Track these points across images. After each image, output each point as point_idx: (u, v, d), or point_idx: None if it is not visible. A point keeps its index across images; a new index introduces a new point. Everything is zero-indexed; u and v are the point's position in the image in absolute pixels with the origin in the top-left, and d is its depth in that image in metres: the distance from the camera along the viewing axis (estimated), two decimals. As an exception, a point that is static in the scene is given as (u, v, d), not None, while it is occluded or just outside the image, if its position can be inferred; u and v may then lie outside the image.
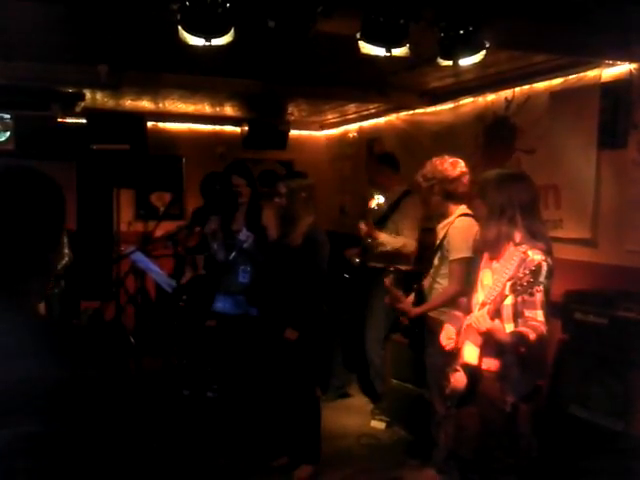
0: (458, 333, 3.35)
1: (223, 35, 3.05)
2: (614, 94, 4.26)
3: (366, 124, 7.58)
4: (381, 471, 4.49)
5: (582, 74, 4.50)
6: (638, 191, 4.12)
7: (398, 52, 3.27)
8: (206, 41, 3.05)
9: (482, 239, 3.31)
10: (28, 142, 6.40)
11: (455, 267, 3.88)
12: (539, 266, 2.93)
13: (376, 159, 5.82)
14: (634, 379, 3.57)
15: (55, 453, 1.18)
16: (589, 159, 4.42)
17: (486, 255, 3.28)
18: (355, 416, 5.50)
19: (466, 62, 3.39)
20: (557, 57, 4.48)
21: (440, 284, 4.02)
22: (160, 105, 7.03)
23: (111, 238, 7.27)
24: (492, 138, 5.39)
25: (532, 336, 2.94)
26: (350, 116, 7.67)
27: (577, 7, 3.43)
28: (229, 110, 7.31)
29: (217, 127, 7.97)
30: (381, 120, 7.21)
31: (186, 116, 7.63)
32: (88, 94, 6.09)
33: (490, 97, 5.47)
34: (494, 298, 3.03)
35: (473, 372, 3.16)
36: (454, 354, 3.33)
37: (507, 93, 5.23)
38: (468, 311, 3.28)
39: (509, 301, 3.05)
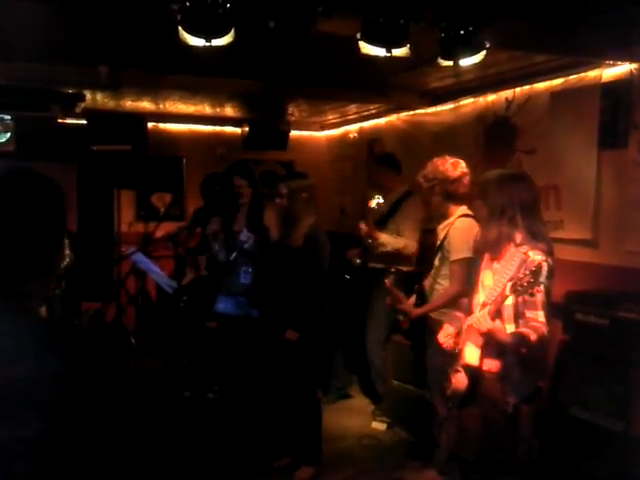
0: (459, 334, 3.35)
1: (223, 35, 3.05)
2: (615, 94, 4.25)
3: (366, 124, 7.58)
4: (382, 472, 4.49)
5: (582, 74, 4.50)
6: (639, 191, 4.12)
7: (398, 52, 3.26)
8: (206, 41, 3.05)
9: (483, 240, 3.30)
10: (28, 143, 6.40)
11: (456, 268, 3.87)
12: (539, 266, 2.92)
13: (377, 160, 5.82)
14: (635, 380, 3.57)
15: (55, 456, 1.17)
16: (590, 159, 4.42)
17: (487, 256, 3.28)
18: (356, 417, 5.50)
19: (466, 62, 3.39)
20: (557, 57, 4.47)
21: (441, 285, 4.02)
22: (160, 106, 7.03)
23: (112, 239, 7.27)
24: (493, 138, 5.38)
25: (533, 337, 2.93)
26: (350, 116, 7.66)
27: (577, 7, 3.42)
28: (229, 111, 7.31)
29: (217, 128, 7.97)
30: (381, 120, 7.20)
31: (186, 117, 7.63)
32: (88, 95, 6.09)
33: (490, 97, 5.47)
34: (495, 299, 3.03)
35: (474, 373, 3.15)
36: (455, 355, 3.33)
37: (507, 93, 5.22)
38: (469, 312, 3.28)
39: (510, 302, 3.05)
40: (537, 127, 4.88)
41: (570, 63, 4.50)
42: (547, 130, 4.77)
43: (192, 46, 3.11)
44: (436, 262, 4.07)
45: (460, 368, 3.22)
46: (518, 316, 3.05)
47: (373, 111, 7.13)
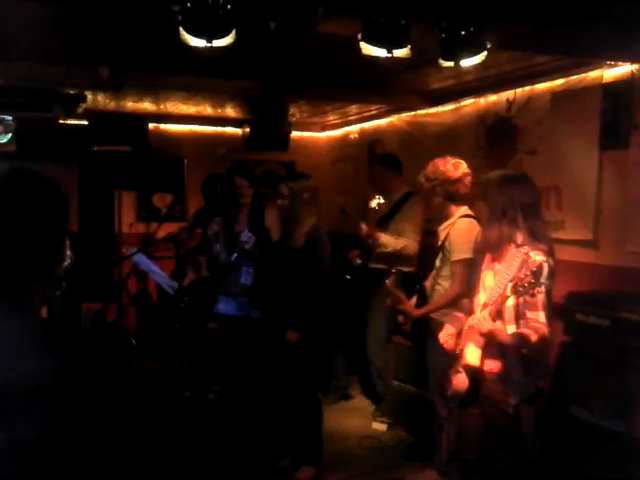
0: (459, 334, 3.35)
1: (224, 36, 3.05)
2: (616, 95, 4.25)
3: (367, 125, 7.57)
4: (382, 472, 4.49)
5: (583, 75, 4.50)
6: (640, 192, 4.12)
7: (399, 53, 3.26)
8: (207, 42, 3.05)
9: (484, 240, 3.31)
10: (30, 144, 6.41)
11: (457, 268, 3.87)
12: (540, 267, 2.93)
13: (378, 160, 5.82)
14: (635, 380, 3.57)
15: (54, 456, 1.17)
16: (591, 160, 4.42)
17: (488, 256, 3.28)
18: (356, 418, 5.50)
19: (467, 63, 3.38)
20: (558, 58, 4.47)
21: (441, 285, 4.02)
22: (161, 106, 7.04)
23: (113, 240, 7.28)
24: (494, 139, 5.38)
25: (534, 337, 2.94)
26: (351, 117, 7.67)
27: (578, 8, 3.42)
28: (230, 111, 7.31)
29: (218, 128, 7.97)
30: (382, 121, 7.20)
31: (187, 117, 7.64)
32: (90, 96, 6.10)
33: (491, 98, 5.47)
34: (496, 299, 3.03)
35: (475, 374, 3.15)
36: (456, 356, 3.33)
37: (508, 94, 5.22)
38: (470, 312, 3.28)
39: (511, 302, 3.05)
40: (538, 128, 4.88)
41: (571, 64, 4.50)
42: (548, 131, 4.76)
43: (193, 47, 3.10)
44: (437, 263, 4.07)
45: (461, 369, 3.22)
46: (519, 317, 3.06)
47: (374, 112, 7.13)
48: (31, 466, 1.16)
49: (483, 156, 5.39)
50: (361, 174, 7.43)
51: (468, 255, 3.79)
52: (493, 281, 3.16)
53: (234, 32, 3.05)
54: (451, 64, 3.41)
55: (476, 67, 3.59)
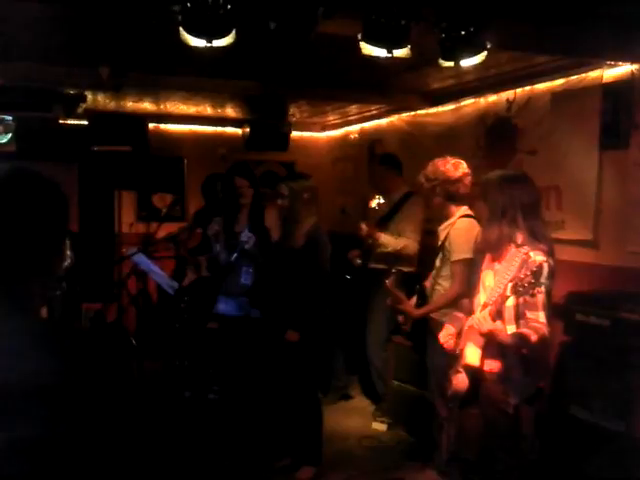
0: (460, 334, 3.35)
1: (224, 36, 3.05)
2: (616, 95, 4.25)
3: (367, 125, 7.57)
4: (382, 473, 4.49)
5: (583, 75, 4.50)
6: (640, 192, 4.12)
7: (399, 53, 3.26)
8: (207, 42, 3.05)
9: (484, 240, 3.31)
10: (30, 144, 6.41)
11: (457, 268, 3.87)
12: (540, 267, 2.93)
13: (378, 160, 5.82)
14: (635, 380, 3.57)
15: (54, 456, 1.17)
16: (591, 160, 4.42)
17: (488, 256, 3.28)
18: (356, 418, 5.50)
19: (467, 63, 3.38)
20: (558, 58, 4.47)
21: (441, 285, 4.02)
22: (161, 106, 7.04)
23: (112, 240, 7.28)
24: (494, 139, 5.38)
25: (534, 337, 2.94)
26: (351, 117, 7.67)
27: (578, 8, 3.42)
28: (230, 111, 7.32)
29: (218, 128, 7.97)
30: (382, 121, 7.20)
31: (187, 117, 7.64)
32: (90, 96, 6.10)
33: (491, 98, 5.47)
34: (495, 299, 3.03)
35: (475, 374, 3.16)
36: (456, 355, 3.33)
37: (508, 94, 5.22)
38: (470, 312, 3.28)
39: (511, 302, 3.05)
40: (538, 128, 4.88)
41: (571, 64, 4.50)
42: (548, 131, 4.77)
43: (193, 47, 3.11)
44: (437, 263, 4.07)
45: (461, 369, 3.22)
46: (519, 317, 3.06)
47: (374, 112, 7.13)
48: (31, 466, 1.16)
49: (483, 156, 5.39)
50: (361, 174, 7.43)
51: (468, 255, 3.79)
52: (493, 281, 3.16)
53: (234, 32, 3.05)
54: (451, 64, 3.41)
55: (476, 67, 3.59)
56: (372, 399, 5.73)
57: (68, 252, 1.40)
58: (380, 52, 3.25)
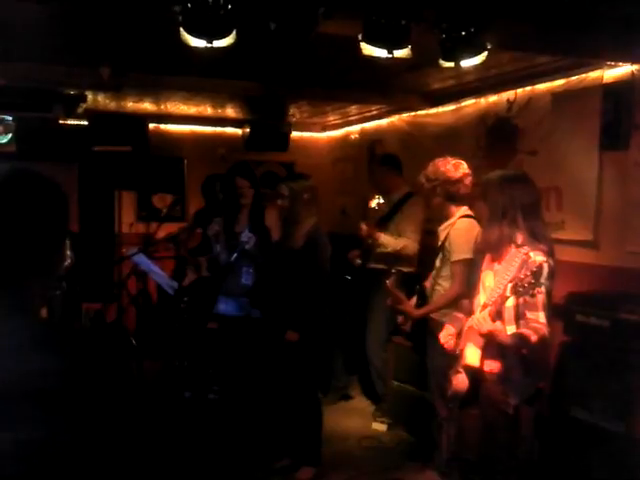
0: (460, 334, 3.35)
1: (225, 37, 3.05)
2: (616, 95, 4.25)
3: (368, 126, 7.57)
4: (382, 473, 4.48)
5: (584, 75, 4.50)
6: (640, 193, 4.12)
7: (400, 53, 3.26)
8: (208, 43, 3.05)
9: (484, 241, 3.31)
10: (30, 144, 6.41)
11: (457, 269, 3.87)
12: (540, 267, 2.93)
13: (379, 161, 5.81)
14: (635, 381, 3.57)
15: (52, 458, 1.17)
16: (591, 161, 4.42)
17: (488, 257, 3.28)
18: (356, 418, 5.50)
19: (468, 63, 3.39)
20: (559, 58, 4.47)
21: (441, 286, 4.02)
22: (162, 107, 7.04)
23: (113, 240, 7.28)
24: (494, 139, 5.38)
25: (534, 338, 2.94)
26: (352, 118, 7.67)
27: (578, 8, 3.42)
28: (230, 112, 7.32)
29: (218, 129, 7.97)
30: (383, 122, 7.20)
31: (188, 118, 7.64)
32: (90, 96, 6.10)
33: (492, 98, 5.47)
34: (495, 300, 3.03)
35: (475, 374, 3.15)
36: (456, 356, 3.33)
37: (509, 94, 5.22)
38: (470, 313, 3.28)
39: (511, 303, 3.05)
40: (538, 128, 4.88)
41: (571, 64, 4.50)
42: (549, 131, 4.77)
43: (193, 47, 3.11)
44: (437, 263, 4.07)
45: (461, 369, 3.22)
46: (519, 317, 3.06)
47: (374, 112, 7.13)
48: (31, 467, 1.16)
49: (483, 156, 5.39)
50: (361, 174, 7.43)
51: (468, 255, 3.79)
52: (493, 281, 3.16)
53: (234, 32, 3.05)
54: (451, 64, 3.42)
55: (476, 67, 3.59)
56: (372, 399, 5.73)
57: (68, 252, 1.40)
58: (381, 52, 3.24)
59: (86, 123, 6.65)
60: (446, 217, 4.02)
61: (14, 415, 1.15)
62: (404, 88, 5.87)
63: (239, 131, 7.62)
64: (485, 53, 3.34)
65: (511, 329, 3.05)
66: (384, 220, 5.34)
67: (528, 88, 5.02)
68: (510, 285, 2.95)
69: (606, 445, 3.61)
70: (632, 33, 3.64)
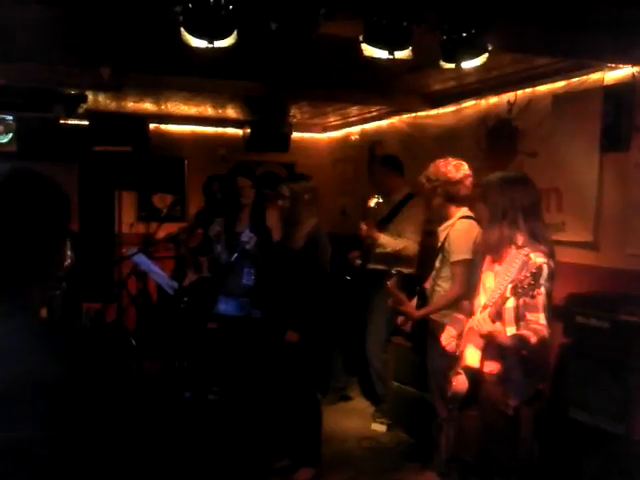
0: (460, 336, 3.35)
1: (226, 37, 3.05)
2: (617, 97, 4.25)
3: (368, 127, 7.57)
4: (382, 474, 4.49)
5: (585, 77, 4.50)
6: (640, 194, 4.12)
7: (401, 55, 3.26)
8: (209, 43, 3.05)
9: (484, 242, 3.31)
10: (30, 144, 6.42)
11: (457, 269, 3.87)
12: (540, 268, 2.93)
13: (379, 162, 5.81)
14: (635, 383, 3.57)
15: (52, 457, 1.17)
16: (591, 162, 4.42)
17: (488, 258, 3.28)
18: (356, 419, 5.50)
19: (468, 65, 3.39)
20: (560, 60, 4.48)
21: (441, 287, 4.02)
22: (162, 107, 7.04)
23: (113, 240, 7.28)
24: (494, 141, 5.38)
25: (533, 339, 2.93)
26: (352, 119, 7.67)
27: (580, 10, 3.42)
28: (231, 112, 7.32)
29: (219, 129, 7.98)
30: (383, 123, 7.20)
31: (188, 118, 7.65)
32: (90, 96, 6.10)
33: (492, 100, 5.47)
34: (495, 301, 3.03)
35: (475, 375, 3.15)
36: (456, 357, 3.33)
37: (509, 96, 5.22)
38: (470, 314, 3.28)
39: (511, 304, 3.05)
40: (539, 130, 4.88)
41: (572, 66, 4.51)
42: (549, 133, 4.77)
43: (194, 47, 3.11)
44: (437, 264, 4.07)
45: (461, 370, 3.22)
46: (519, 318, 3.05)
47: (375, 113, 7.13)
48: (30, 467, 1.16)
49: (484, 158, 5.39)
50: (361, 175, 7.44)
51: (467, 256, 3.79)
52: (493, 283, 3.16)
53: (235, 33, 3.05)
54: (452, 66, 3.42)
55: (477, 69, 3.60)
56: (371, 400, 5.73)
57: (68, 252, 1.40)
58: (381, 54, 3.24)
59: (86, 123, 6.65)
60: (446, 218, 4.02)
61: (14, 415, 1.15)
62: (405, 89, 5.88)
63: (240, 131, 7.62)
64: (486, 54, 3.34)
65: (511, 330, 3.05)
66: (384, 221, 5.34)
67: (529, 90, 5.03)
68: (510, 286, 2.95)
69: (605, 446, 3.61)
70: (632, 35, 3.64)
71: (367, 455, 4.82)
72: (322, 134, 8.62)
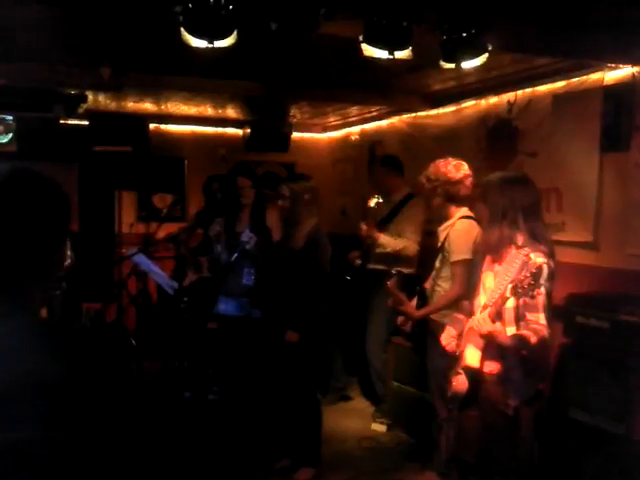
0: (460, 336, 3.35)
1: (226, 37, 3.05)
2: (617, 97, 4.25)
3: (368, 127, 7.57)
4: (382, 474, 4.49)
5: (585, 77, 4.50)
6: (640, 194, 4.12)
7: (401, 55, 3.26)
8: (209, 43, 3.05)
9: (484, 242, 3.31)
10: (30, 144, 6.42)
11: (456, 269, 3.87)
12: (540, 268, 2.93)
13: (379, 162, 5.81)
14: (635, 383, 3.57)
15: (52, 458, 1.17)
16: (591, 162, 4.42)
17: (488, 258, 3.28)
18: (356, 419, 5.50)
19: (468, 65, 3.39)
20: (560, 60, 4.48)
21: (441, 287, 4.02)
22: (162, 107, 7.04)
23: (113, 240, 7.28)
24: (494, 141, 5.38)
25: (533, 339, 2.93)
26: (352, 119, 7.67)
27: (580, 10, 3.42)
28: (231, 112, 7.32)
29: (219, 129, 7.98)
30: (383, 123, 7.21)
31: (188, 118, 7.65)
32: (90, 96, 6.10)
33: (492, 100, 5.47)
34: (495, 301, 3.03)
35: (475, 375, 3.15)
36: (456, 357, 3.33)
37: (509, 96, 5.22)
38: (470, 314, 3.28)
39: (511, 304, 3.05)
40: (539, 130, 4.88)
41: (572, 66, 4.51)
42: (549, 133, 4.77)
43: (194, 47, 3.11)
44: (437, 264, 4.07)
45: (461, 370, 3.22)
46: (519, 318, 3.05)
47: (375, 113, 7.13)
48: (30, 466, 1.16)
49: (484, 158, 5.39)
50: (361, 175, 7.44)
51: (467, 256, 3.79)
52: (493, 283, 3.16)
53: (235, 33, 3.05)
54: (452, 66, 3.42)
55: (477, 69, 3.60)
56: (371, 400, 5.73)
57: (68, 252, 1.40)
58: (381, 54, 3.24)
59: (86, 123, 6.65)
60: (446, 218, 4.02)
61: (14, 415, 1.15)
62: (405, 89, 5.88)
63: (240, 131, 7.62)
64: (486, 54, 3.34)
65: (511, 330, 3.05)
66: (384, 221, 5.34)
67: (528, 90, 5.03)
68: (510, 286, 2.95)
69: (605, 446, 3.61)
70: (632, 35, 3.65)
71: (367, 455, 4.82)
72: (322, 134, 8.62)
